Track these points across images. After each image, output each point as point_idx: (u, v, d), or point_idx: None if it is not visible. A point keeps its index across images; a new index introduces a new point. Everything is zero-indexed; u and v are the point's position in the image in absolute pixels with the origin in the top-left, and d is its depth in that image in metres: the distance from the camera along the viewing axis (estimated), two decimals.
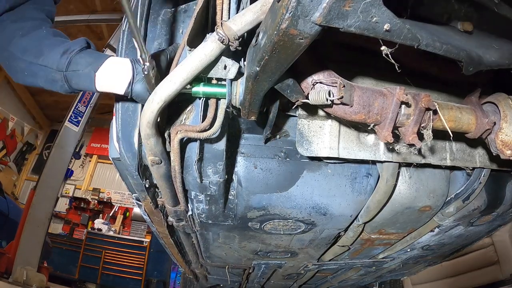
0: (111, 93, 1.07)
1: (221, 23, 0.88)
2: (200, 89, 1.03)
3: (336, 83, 0.92)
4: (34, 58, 1.01)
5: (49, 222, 5.44)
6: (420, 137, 1.02)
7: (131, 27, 0.83)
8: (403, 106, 0.98)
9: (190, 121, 1.13)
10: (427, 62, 1.20)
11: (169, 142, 1.13)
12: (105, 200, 11.49)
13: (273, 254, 2.17)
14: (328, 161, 1.41)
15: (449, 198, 1.64)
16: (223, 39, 0.87)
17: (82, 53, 1.03)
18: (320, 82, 0.94)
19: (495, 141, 1.13)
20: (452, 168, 1.55)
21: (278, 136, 1.45)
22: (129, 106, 1.15)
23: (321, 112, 1.28)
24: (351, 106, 0.95)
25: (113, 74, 1.03)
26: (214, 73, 0.99)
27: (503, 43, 1.02)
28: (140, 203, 1.53)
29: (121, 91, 1.03)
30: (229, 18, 0.94)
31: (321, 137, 1.28)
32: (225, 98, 1.04)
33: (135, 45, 0.91)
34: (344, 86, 0.92)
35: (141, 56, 0.94)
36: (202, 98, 1.10)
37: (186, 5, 1.25)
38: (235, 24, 0.86)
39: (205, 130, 1.06)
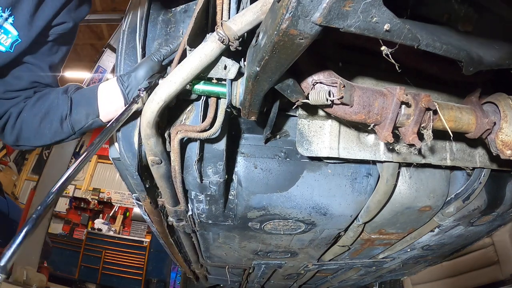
0: None
1: (221, 23, 0.88)
2: (200, 87, 1.03)
3: (336, 83, 0.92)
4: (43, 142, 1.09)
5: (49, 222, 5.45)
6: (420, 137, 1.02)
7: None
8: (403, 106, 0.98)
9: (190, 121, 1.13)
10: (427, 62, 1.20)
11: (169, 142, 1.13)
12: (105, 200, 11.50)
13: (273, 254, 2.17)
14: (328, 161, 1.41)
15: (449, 198, 1.64)
16: (223, 39, 0.87)
17: (74, 110, 1.07)
18: (320, 82, 0.94)
19: (495, 141, 1.13)
20: (452, 168, 1.55)
21: (278, 136, 1.45)
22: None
23: (321, 112, 1.28)
24: (351, 106, 0.95)
25: (111, 105, 1.08)
26: (214, 73, 0.99)
27: (503, 43, 1.02)
28: (140, 203, 1.53)
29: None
30: (229, 18, 0.94)
31: (321, 137, 1.28)
32: (225, 98, 1.04)
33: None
34: (344, 86, 0.92)
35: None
36: (202, 98, 1.11)
37: (186, 5, 1.25)
38: (235, 24, 0.86)
39: (205, 130, 1.06)
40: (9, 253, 0.55)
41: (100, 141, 0.81)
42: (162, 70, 1.10)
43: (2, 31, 0.88)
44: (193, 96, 1.10)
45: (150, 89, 1.02)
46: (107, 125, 0.92)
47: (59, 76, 1.19)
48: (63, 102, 1.07)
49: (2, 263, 0.53)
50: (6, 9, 0.85)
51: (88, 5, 1.11)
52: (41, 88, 1.11)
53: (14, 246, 0.56)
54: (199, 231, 1.83)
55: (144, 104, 1.00)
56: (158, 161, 1.16)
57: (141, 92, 1.01)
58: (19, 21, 0.90)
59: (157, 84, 1.02)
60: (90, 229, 10.04)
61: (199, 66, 0.91)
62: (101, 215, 11.27)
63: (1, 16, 0.85)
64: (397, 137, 1.05)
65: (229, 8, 0.97)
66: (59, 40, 1.11)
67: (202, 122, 1.07)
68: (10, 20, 0.88)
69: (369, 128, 1.03)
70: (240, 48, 0.91)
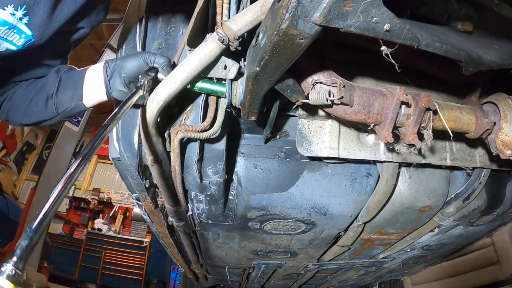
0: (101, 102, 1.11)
1: (221, 23, 0.88)
2: (199, 84, 1.02)
3: (336, 83, 0.92)
4: (28, 120, 1.09)
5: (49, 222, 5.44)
6: (420, 137, 1.02)
7: None
8: (403, 106, 0.98)
9: (190, 121, 1.13)
10: (427, 62, 1.20)
11: (169, 142, 1.13)
12: (105, 200, 11.49)
13: (273, 254, 2.17)
14: (328, 161, 1.41)
15: (449, 198, 1.64)
16: (223, 39, 0.87)
17: (61, 91, 1.06)
18: (320, 82, 0.94)
19: (495, 141, 1.13)
20: (452, 168, 1.55)
21: (278, 136, 1.45)
22: None
23: (321, 112, 1.28)
24: (351, 106, 0.95)
25: (95, 91, 1.06)
26: (214, 73, 0.99)
27: (503, 43, 1.02)
28: (140, 203, 1.53)
29: (105, 97, 1.07)
30: (229, 18, 0.94)
31: (321, 137, 1.28)
32: (224, 97, 1.04)
33: None
34: (344, 86, 0.92)
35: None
36: (202, 98, 1.10)
37: (186, 5, 1.25)
38: (235, 24, 0.86)
39: (205, 130, 1.06)
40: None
41: (105, 131, 0.76)
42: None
43: (15, 31, 0.86)
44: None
45: (151, 79, 1.00)
46: (111, 115, 0.89)
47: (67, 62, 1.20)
48: (52, 81, 1.07)
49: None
50: (20, 7, 0.82)
51: (105, 11, 1.10)
52: None
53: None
54: (199, 231, 1.83)
55: (148, 90, 0.98)
56: (158, 161, 1.16)
57: (142, 79, 0.98)
58: (35, 21, 0.87)
59: (157, 77, 1.00)
60: (90, 229, 10.03)
61: (199, 66, 0.91)
62: (101, 215, 11.26)
63: (14, 15, 0.82)
64: (397, 137, 1.05)
65: (229, 8, 0.97)
66: (74, 43, 1.12)
67: (202, 122, 1.07)
68: (25, 20, 0.85)
69: (369, 128, 1.02)
70: (240, 48, 0.91)
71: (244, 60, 1.01)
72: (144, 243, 9.33)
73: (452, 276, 3.83)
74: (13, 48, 0.89)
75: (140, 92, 0.95)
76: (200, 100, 1.11)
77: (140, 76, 0.99)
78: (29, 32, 0.88)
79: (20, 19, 0.84)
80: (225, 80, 1.02)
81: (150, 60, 0.99)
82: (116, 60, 1.04)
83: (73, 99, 1.06)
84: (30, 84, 1.08)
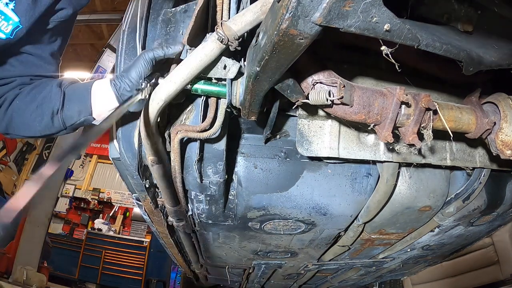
0: None
1: (221, 23, 0.88)
2: (199, 86, 1.02)
3: (336, 83, 0.92)
4: (32, 133, 1.05)
5: (49, 222, 5.44)
6: (420, 137, 1.02)
7: None
8: (403, 106, 0.98)
9: (190, 121, 1.13)
10: (427, 62, 1.20)
11: (169, 142, 1.13)
12: (105, 200, 11.50)
13: (273, 254, 2.17)
14: (328, 161, 1.41)
15: (449, 198, 1.64)
16: (223, 39, 0.87)
17: (66, 106, 1.02)
18: (320, 82, 0.94)
19: (495, 141, 1.13)
20: (452, 168, 1.55)
21: (278, 136, 1.45)
22: None
23: (321, 112, 1.28)
24: (351, 106, 0.95)
25: (105, 106, 1.03)
26: (214, 73, 0.99)
27: (503, 43, 1.02)
28: (140, 203, 1.53)
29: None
30: (229, 18, 0.95)
31: (321, 137, 1.28)
32: (225, 98, 1.04)
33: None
34: (344, 86, 0.92)
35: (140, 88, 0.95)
36: (202, 98, 1.10)
37: (186, 5, 1.25)
38: (235, 24, 0.86)
39: (205, 130, 1.06)
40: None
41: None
42: (160, 70, 1.08)
43: (2, 17, 0.83)
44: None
45: (152, 84, 0.98)
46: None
47: (60, 64, 1.16)
48: (56, 95, 1.03)
49: None
50: None
51: None
52: (38, 78, 1.07)
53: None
54: (199, 231, 1.83)
55: (147, 95, 0.96)
56: (158, 161, 1.16)
57: (143, 84, 0.96)
58: (21, 6, 0.85)
59: (157, 83, 1.00)
60: (90, 229, 10.04)
61: (199, 66, 0.91)
62: (101, 215, 11.27)
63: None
64: (397, 137, 1.05)
65: (229, 8, 0.97)
66: (58, 28, 1.07)
67: (202, 122, 1.07)
68: (11, 5, 0.83)
69: (369, 128, 1.02)
70: (239, 48, 0.91)
71: (244, 60, 1.01)
72: (144, 243, 9.34)
73: (452, 276, 3.83)
74: (2, 36, 0.87)
75: (140, 96, 0.93)
76: (200, 100, 1.11)
77: (140, 81, 0.97)
78: (16, 18, 0.86)
79: (7, 4, 0.82)
80: (225, 80, 1.03)
81: (150, 57, 0.98)
82: (122, 76, 1.01)
83: (81, 113, 1.03)
84: (29, 94, 1.03)
